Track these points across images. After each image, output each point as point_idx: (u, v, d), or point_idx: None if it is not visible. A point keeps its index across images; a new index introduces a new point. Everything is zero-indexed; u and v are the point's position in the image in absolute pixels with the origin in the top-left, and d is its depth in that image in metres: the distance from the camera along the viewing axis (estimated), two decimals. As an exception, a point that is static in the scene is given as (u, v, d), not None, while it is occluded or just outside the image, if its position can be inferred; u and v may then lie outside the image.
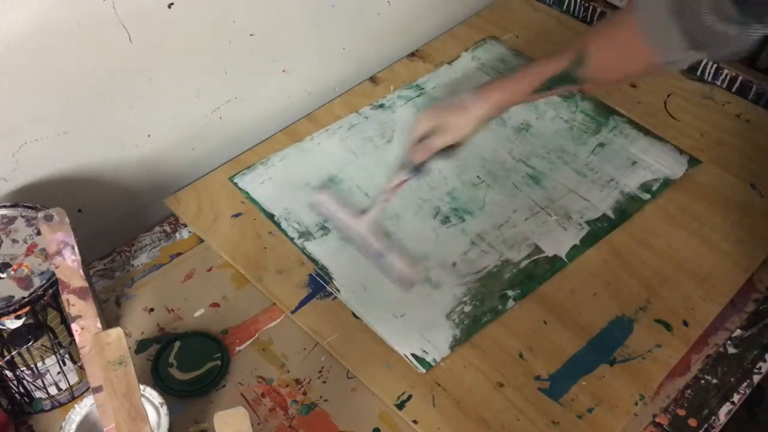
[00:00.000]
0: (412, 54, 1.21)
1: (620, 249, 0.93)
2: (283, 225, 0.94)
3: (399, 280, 0.88)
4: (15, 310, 0.68)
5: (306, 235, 0.93)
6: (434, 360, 0.81)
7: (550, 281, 0.90)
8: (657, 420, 0.79)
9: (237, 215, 0.96)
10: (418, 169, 0.91)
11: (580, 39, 0.84)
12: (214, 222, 0.95)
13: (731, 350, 0.85)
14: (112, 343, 0.58)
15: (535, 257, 0.92)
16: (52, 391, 0.76)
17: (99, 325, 0.63)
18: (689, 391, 0.82)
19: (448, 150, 0.90)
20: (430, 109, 0.92)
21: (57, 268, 0.64)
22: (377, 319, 0.85)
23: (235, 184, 0.99)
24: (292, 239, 0.93)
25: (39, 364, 0.73)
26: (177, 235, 0.95)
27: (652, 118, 1.10)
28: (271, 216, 0.95)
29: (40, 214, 0.65)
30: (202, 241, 0.94)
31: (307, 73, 1.12)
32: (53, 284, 0.69)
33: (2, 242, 0.73)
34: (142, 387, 0.69)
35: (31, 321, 0.69)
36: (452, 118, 0.88)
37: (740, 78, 1.14)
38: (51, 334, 0.72)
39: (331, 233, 0.94)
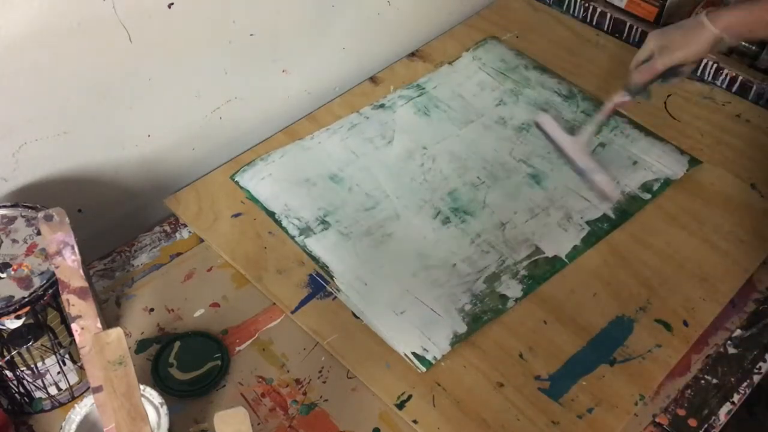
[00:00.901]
0: (412, 54, 1.21)
1: (620, 249, 0.93)
2: (284, 223, 0.94)
3: (599, 193, 0.96)
4: (15, 310, 0.68)
5: (306, 231, 0.93)
6: (434, 358, 0.81)
7: (550, 281, 0.90)
8: (657, 420, 0.79)
9: (237, 215, 0.96)
10: (639, 90, 0.93)
11: None
12: (214, 222, 0.95)
13: (731, 350, 0.85)
14: (112, 343, 0.58)
15: (536, 257, 0.92)
16: (52, 391, 0.76)
17: (99, 325, 0.63)
18: (689, 391, 0.82)
19: (671, 73, 0.91)
20: (658, 30, 0.92)
21: (57, 268, 0.64)
22: (377, 316, 0.85)
23: (236, 183, 0.99)
24: (292, 237, 0.93)
25: (39, 364, 0.73)
26: (177, 235, 0.95)
27: (652, 118, 1.10)
28: (271, 214, 0.95)
29: (40, 214, 0.65)
30: (202, 241, 0.94)
31: (307, 73, 1.12)
32: (53, 284, 0.69)
33: (2, 242, 0.73)
34: (142, 387, 0.69)
35: (31, 321, 0.69)
36: (681, 36, 0.88)
37: (740, 78, 1.14)
38: (51, 334, 0.72)
39: (331, 228, 0.94)
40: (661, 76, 0.92)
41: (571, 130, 1.04)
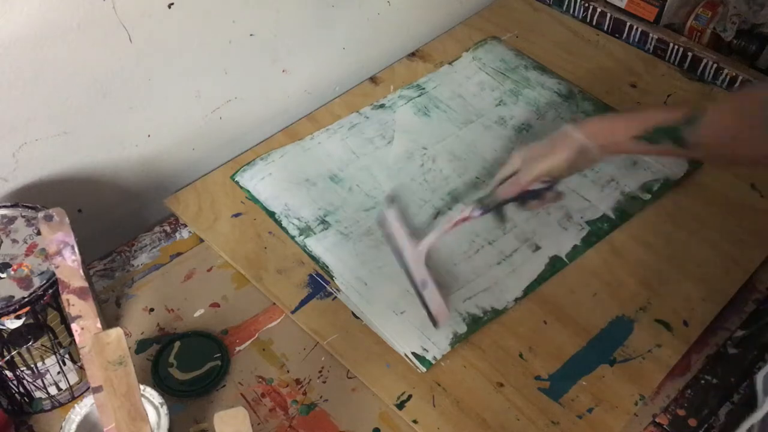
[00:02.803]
0: (412, 54, 1.21)
1: (620, 249, 0.93)
2: (284, 223, 0.94)
3: (431, 314, 0.83)
4: (15, 310, 0.68)
5: (306, 230, 0.93)
6: (434, 358, 0.81)
7: (550, 281, 0.90)
8: (657, 420, 0.79)
9: (237, 215, 0.96)
10: (495, 208, 0.85)
11: (703, 100, 0.78)
12: (214, 222, 0.95)
13: (731, 350, 0.85)
14: (112, 343, 0.58)
15: (536, 257, 0.92)
16: (52, 391, 0.76)
17: (99, 325, 0.63)
18: (689, 391, 0.82)
19: (531, 195, 0.84)
20: (523, 147, 0.86)
21: (57, 268, 0.64)
22: (377, 316, 0.85)
23: (236, 183, 0.99)
24: (292, 237, 0.93)
25: (39, 364, 0.73)
26: (177, 235, 0.95)
27: (652, 118, 1.09)
28: (271, 214, 0.95)
29: (40, 214, 0.65)
30: (202, 241, 0.94)
31: (307, 73, 1.12)
32: (53, 284, 0.69)
33: (2, 242, 0.73)
34: (142, 387, 0.69)
35: (31, 321, 0.69)
36: (546, 147, 0.83)
37: (740, 78, 1.14)
38: (51, 334, 0.72)
39: (331, 228, 0.94)
40: (521, 197, 0.85)
41: (416, 233, 0.87)
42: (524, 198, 0.85)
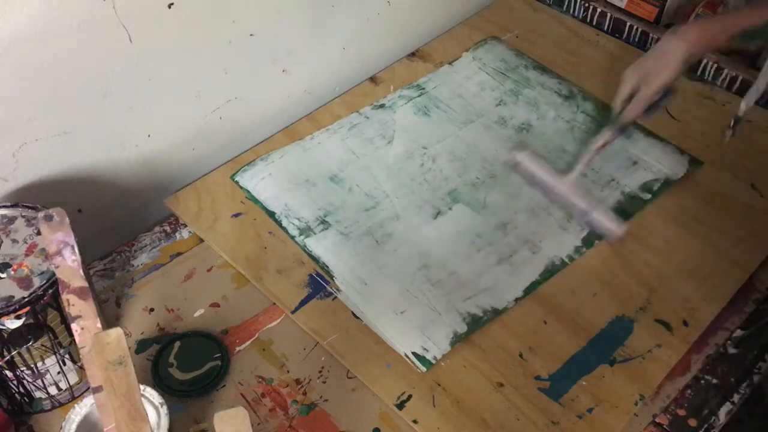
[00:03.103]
0: (412, 54, 1.21)
1: (620, 249, 0.93)
2: (284, 223, 0.94)
3: (607, 234, 0.92)
4: (15, 310, 0.68)
5: (306, 231, 0.93)
6: (434, 357, 0.81)
7: (550, 281, 0.90)
8: (657, 420, 0.79)
9: (237, 215, 0.96)
10: (625, 127, 0.93)
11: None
12: (214, 222, 0.95)
13: (731, 350, 0.85)
14: (112, 343, 0.58)
15: (536, 257, 0.92)
16: (52, 391, 0.76)
17: (99, 325, 0.63)
18: (689, 391, 0.82)
19: (655, 104, 0.92)
20: (632, 65, 0.94)
21: (57, 268, 0.64)
22: (377, 316, 0.85)
23: (236, 183, 0.99)
24: (292, 237, 0.93)
25: (39, 364, 0.73)
26: (177, 235, 0.95)
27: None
28: (271, 214, 0.95)
29: (40, 214, 0.65)
30: (202, 241, 0.94)
31: (307, 73, 1.12)
32: (53, 284, 0.69)
33: (2, 242, 0.73)
34: (142, 387, 0.69)
35: (31, 321, 0.69)
36: (655, 62, 0.90)
37: (740, 78, 1.14)
38: (51, 334, 0.72)
39: (331, 228, 0.94)
40: (645, 110, 0.94)
41: (551, 167, 0.98)
42: (649, 109, 0.93)
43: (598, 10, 1.26)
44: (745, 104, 0.91)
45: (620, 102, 0.94)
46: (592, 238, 0.94)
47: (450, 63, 1.18)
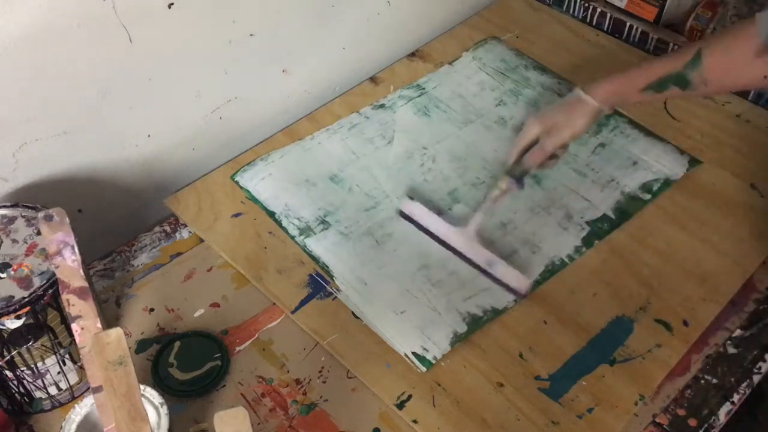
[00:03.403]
0: (412, 54, 1.21)
1: (620, 249, 0.93)
2: (284, 223, 0.94)
3: (512, 288, 0.87)
4: (15, 310, 0.68)
5: (306, 231, 0.93)
6: (434, 357, 0.81)
7: (550, 281, 0.90)
8: (657, 420, 0.79)
9: (237, 215, 0.96)
10: (523, 175, 0.92)
11: (694, 42, 0.85)
12: (214, 222, 0.95)
13: (731, 350, 0.85)
14: (112, 343, 0.58)
15: (536, 257, 0.92)
16: (52, 391, 0.76)
17: (99, 325, 0.63)
18: (689, 391, 0.82)
19: (548, 160, 0.93)
20: (538, 113, 0.94)
21: (57, 268, 0.64)
22: (377, 316, 0.85)
23: (236, 183, 0.99)
24: (292, 237, 0.93)
25: (39, 364, 0.73)
26: (177, 235, 0.95)
27: (652, 118, 1.10)
28: (271, 214, 0.95)
29: (40, 214, 0.65)
30: (202, 241, 0.94)
31: (307, 73, 1.12)
32: (53, 284, 0.69)
33: (2, 242, 0.73)
34: (142, 387, 0.69)
35: (31, 321, 0.69)
36: (564, 116, 0.90)
37: (740, 78, 1.14)
38: (51, 334, 0.72)
39: (331, 228, 0.94)
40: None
41: (454, 219, 0.93)
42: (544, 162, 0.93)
43: (598, 10, 1.26)
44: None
45: (519, 149, 0.93)
46: (591, 238, 0.94)
47: (450, 63, 1.18)
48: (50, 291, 0.69)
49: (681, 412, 0.80)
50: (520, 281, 0.87)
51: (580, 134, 0.92)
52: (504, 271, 0.87)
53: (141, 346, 0.83)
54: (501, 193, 0.92)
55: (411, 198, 0.95)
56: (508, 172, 0.93)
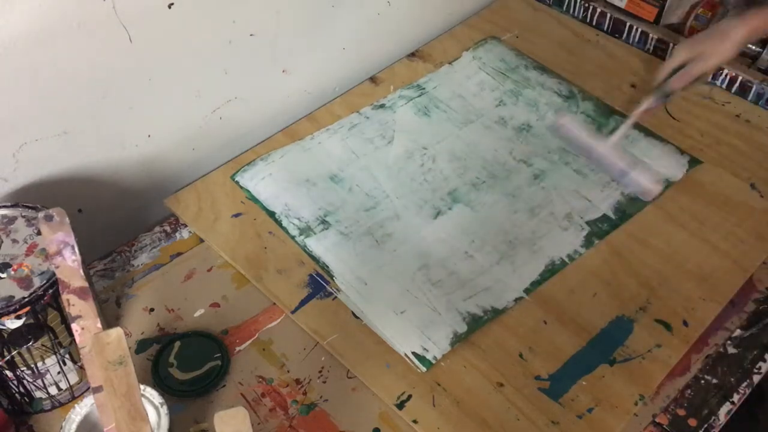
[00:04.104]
0: (412, 54, 1.21)
1: (620, 249, 0.93)
2: (284, 223, 0.94)
3: (643, 193, 0.97)
4: (15, 310, 0.68)
5: (306, 230, 0.93)
6: (434, 357, 0.81)
7: (550, 281, 0.90)
8: (657, 420, 0.79)
9: (237, 215, 0.96)
10: (669, 95, 0.97)
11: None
12: (214, 222, 0.95)
13: (731, 350, 0.85)
14: (112, 343, 0.58)
15: (536, 257, 0.92)
16: (52, 391, 0.76)
17: (99, 325, 0.63)
18: (689, 391, 0.82)
19: (696, 80, 0.97)
20: (687, 40, 0.98)
21: (57, 268, 0.64)
22: (377, 316, 0.85)
23: (236, 183, 0.99)
24: (292, 237, 0.93)
25: (39, 364, 0.73)
26: (177, 235, 0.95)
27: (652, 118, 1.09)
28: (272, 214, 0.95)
29: (40, 214, 0.65)
30: (202, 241, 0.94)
31: (307, 73, 1.12)
32: (53, 284, 0.69)
33: (2, 242, 0.73)
34: (142, 387, 0.69)
35: (31, 321, 0.69)
36: (712, 44, 0.94)
37: (740, 78, 1.14)
38: (51, 334, 0.72)
39: (331, 228, 0.94)
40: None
41: (593, 132, 1.04)
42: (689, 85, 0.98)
43: (598, 10, 1.26)
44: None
45: (666, 71, 0.98)
46: (592, 237, 0.94)
47: (450, 63, 1.18)
48: (50, 291, 0.69)
49: (681, 412, 0.80)
50: (654, 184, 0.96)
51: (726, 61, 0.95)
52: (640, 175, 0.96)
53: (141, 346, 0.83)
54: (645, 110, 0.98)
55: (566, 113, 1.05)
56: (655, 91, 0.98)
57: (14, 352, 0.71)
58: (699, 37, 0.98)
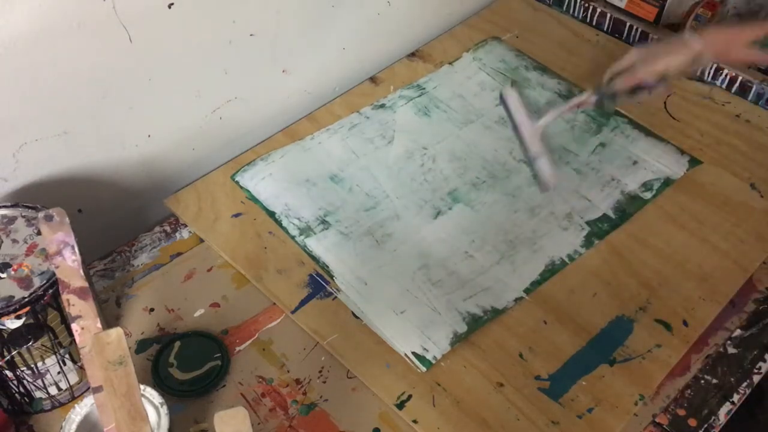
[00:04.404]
0: (412, 54, 1.21)
1: (620, 249, 0.93)
2: (284, 223, 0.94)
3: (542, 182, 0.93)
4: (15, 310, 0.68)
5: (306, 230, 0.93)
6: (434, 357, 0.81)
7: (550, 281, 0.90)
8: (657, 420, 0.79)
9: (237, 215, 0.96)
10: (609, 96, 0.94)
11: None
12: (215, 222, 0.95)
13: (731, 350, 0.85)
14: (112, 343, 0.58)
15: (536, 257, 0.92)
16: (52, 391, 0.76)
17: (99, 325, 0.63)
18: (689, 391, 0.82)
19: (644, 88, 0.93)
20: (644, 44, 0.96)
21: (57, 268, 0.64)
22: (377, 316, 0.85)
23: (237, 183, 0.99)
24: (293, 237, 0.93)
25: (39, 364, 0.73)
26: (177, 235, 0.95)
27: (652, 118, 1.10)
28: (272, 214, 0.95)
29: (40, 214, 0.65)
30: (202, 241, 0.94)
31: (307, 73, 1.12)
32: (53, 284, 0.69)
33: (2, 242, 0.73)
34: (142, 387, 0.69)
35: (31, 321, 0.69)
36: (664, 50, 0.91)
37: (740, 78, 1.14)
38: (51, 334, 0.72)
39: (331, 228, 0.94)
40: (634, 89, 0.93)
41: (535, 112, 0.97)
42: (635, 90, 0.93)
43: (598, 10, 1.26)
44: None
45: (612, 72, 0.94)
46: (592, 237, 0.94)
47: (450, 63, 1.18)
48: (50, 291, 0.69)
49: (681, 412, 0.80)
50: (551, 177, 0.92)
51: (674, 69, 0.91)
52: (543, 164, 0.92)
53: (141, 346, 0.83)
54: (579, 103, 0.94)
55: (512, 85, 0.99)
56: (595, 88, 0.95)
57: (14, 352, 0.71)
58: (654, 43, 0.96)
